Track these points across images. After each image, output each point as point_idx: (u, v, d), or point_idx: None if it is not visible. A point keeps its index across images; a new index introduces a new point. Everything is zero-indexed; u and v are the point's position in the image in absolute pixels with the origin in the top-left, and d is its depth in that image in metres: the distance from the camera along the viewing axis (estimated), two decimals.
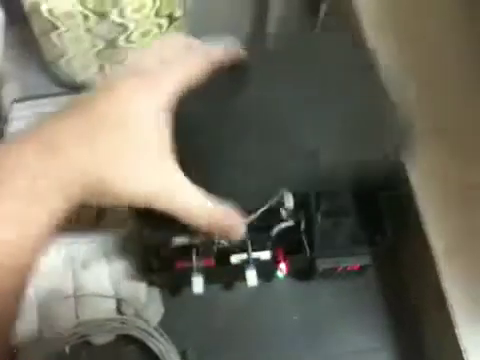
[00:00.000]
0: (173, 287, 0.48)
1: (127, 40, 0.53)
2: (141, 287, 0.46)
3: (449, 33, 0.50)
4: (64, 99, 0.57)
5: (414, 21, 0.52)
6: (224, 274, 0.47)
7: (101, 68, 0.56)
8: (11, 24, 0.63)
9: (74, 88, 0.59)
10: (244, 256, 0.43)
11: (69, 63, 0.56)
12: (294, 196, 0.46)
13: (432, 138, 0.44)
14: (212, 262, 0.44)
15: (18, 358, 0.43)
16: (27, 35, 0.56)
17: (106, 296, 0.45)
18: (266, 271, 0.44)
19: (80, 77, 0.58)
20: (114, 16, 0.50)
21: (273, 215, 0.46)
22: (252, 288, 0.43)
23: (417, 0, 0.53)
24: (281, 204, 0.46)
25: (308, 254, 0.44)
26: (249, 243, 0.43)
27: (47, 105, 0.57)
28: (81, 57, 0.55)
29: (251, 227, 0.45)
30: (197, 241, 0.45)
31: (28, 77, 0.60)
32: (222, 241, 0.45)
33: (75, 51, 0.54)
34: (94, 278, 0.46)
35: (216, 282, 0.48)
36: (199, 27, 0.59)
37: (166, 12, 0.53)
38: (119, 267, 0.47)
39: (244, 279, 0.43)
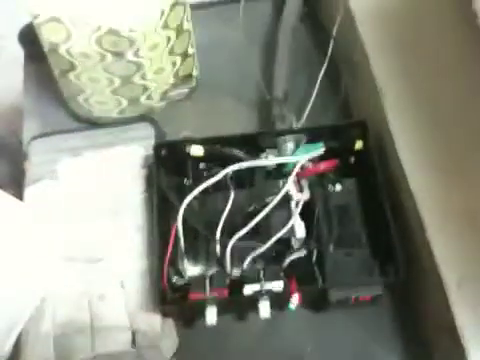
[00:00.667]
0: (187, 318, 0.48)
1: (142, 77, 0.55)
2: (156, 319, 0.46)
3: (451, 57, 0.51)
4: (79, 135, 0.59)
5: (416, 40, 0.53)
6: (237, 305, 0.47)
7: (117, 104, 0.58)
8: (31, 62, 0.66)
9: (91, 123, 0.61)
10: (256, 287, 0.44)
11: (86, 100, 0.58)
12: (306, 226, 0.47)
13: (438, 169, 0.45)
14: (225, 293, 0.44)
15: None
16: (46, 73, 0.59)
17: (122, 328, 0.46)
18: (279, 302, 0.45)
19: (97, 113, 0.60)
20: (130, 55, 0.52)
21: (285, 245, 0.47)
22: (265, 319, 0.43)
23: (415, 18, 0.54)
24: (292, 234, 0.47)
25: (320, 285, 0.45)
26: (262, 273, 0.44)
27: (63, 141, 0.59)
28: (98, 94, 0.57)
29: (264, 257, 0.46)
30: (210, 272, 0.46)
31: (47, 113, 0.63)
32: (235, 271, 0.46)
33: (92, 89, 0.56)
34: (110, 309, 0.47)
35: (229, 314, 0.49)
36: (208, 63, 0.62)
37: (179, 51, 0.56)
38: (135, 299, 0.47)
39: (257, 311, 0.44)
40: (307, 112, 0.56)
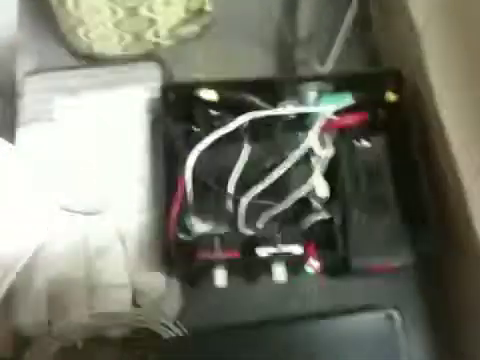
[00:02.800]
0: (193, 279, 0.44)
1: (149, 9, 0.49)
2: (159, 278, 0.43)
3: None
4: (78, 72, 0.53)
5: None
6: (249, 267, 0.43)
7: (120, 39, 0.52)
8: None
9: (91, 60, 0.55)
10: (272, 249, 0.40)
11: (86, 33, 0.52)
12: (329, 186, 0.42)
13: None
14: (236, 254, 0.40)
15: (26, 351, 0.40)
16: (43, 4, 0.53)
17: (121, 286, 0.42)
18: (295, 266, 0.41)
19: (98, 48, 0.54)
20: None
21: (304, 206, 0.42)
22: (279, 284, 0.40)
23: None
24: (313, 193, 0.42)
25: (342, 251, 0.41)
26: (279, 235, 0.40)
27: (60, 79, 0.53)
28: (99, 27, 0.51)
29: (281, 218, 0.42)
30: (221, 230, 0.42)
31: (43, 48, 0.57)
32: (248, 231, 0.42)
33: (93, 20, 0.50)
34: (109, 267, 0.43)
35: (239, 276, 0.45)
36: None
37: None
38: (136, 255, 0.44)
39: (270, 273, 0.40)
40: (334, 58, 0.50)
